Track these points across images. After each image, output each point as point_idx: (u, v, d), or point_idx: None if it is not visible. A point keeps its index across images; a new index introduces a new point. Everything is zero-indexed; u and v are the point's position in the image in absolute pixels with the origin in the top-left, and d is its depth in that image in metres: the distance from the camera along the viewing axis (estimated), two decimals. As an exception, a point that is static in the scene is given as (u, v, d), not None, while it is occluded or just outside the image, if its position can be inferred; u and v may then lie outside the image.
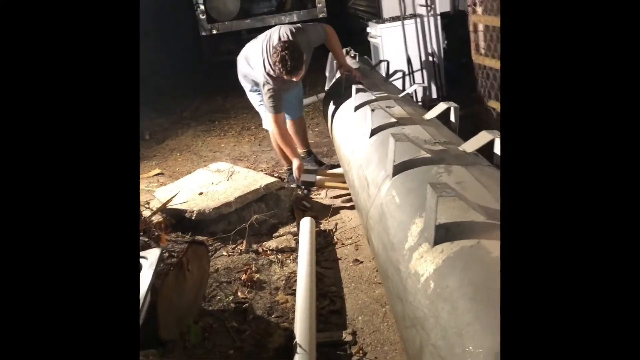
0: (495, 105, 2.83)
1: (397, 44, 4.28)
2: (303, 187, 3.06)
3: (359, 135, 2.24)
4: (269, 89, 2.72)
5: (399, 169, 1.68)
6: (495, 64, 2.65)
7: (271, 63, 2.65)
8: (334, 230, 2.61)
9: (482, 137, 1.75)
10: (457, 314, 1.03)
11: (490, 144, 1.78)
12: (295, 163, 2.94)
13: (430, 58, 4.37)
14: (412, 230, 1.36)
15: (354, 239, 2.48)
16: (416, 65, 4.35)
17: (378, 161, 1.89)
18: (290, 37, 2.65)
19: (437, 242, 1.22)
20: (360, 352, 1.73)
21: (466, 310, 1.02)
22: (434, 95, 4.40)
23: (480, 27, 2.75)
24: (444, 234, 1.22)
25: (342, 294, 2.09)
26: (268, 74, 2.70)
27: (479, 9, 2.81)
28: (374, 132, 2.11)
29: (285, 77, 2.61)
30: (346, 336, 1.81)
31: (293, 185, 3.08)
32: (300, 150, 3.25)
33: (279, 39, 2.66)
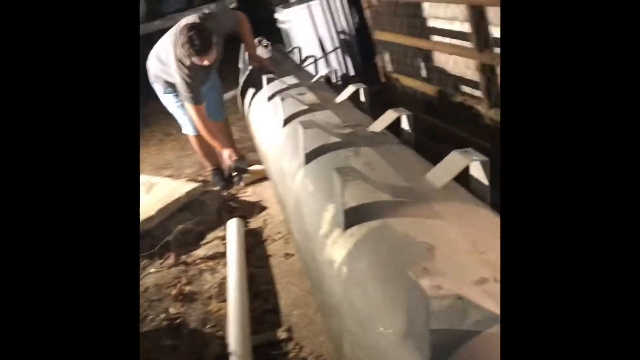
0: (401, 78, 2.84)
1: (307, 26, 4.23)
2: (234, 179, 2.92)
3: (273, 126, 2.19)
4: (183, 78, 2.58)
5: (310, 157, 1.65)
6: (396, 38, 2.64)
7: (180, 48, 2.52)
8: (262, 227, 2.55)
9: (388, 116, 1.75)
10: (367, 297, 1.02)
11: (398, 121, 1.79)
12: (226, 152, 2.75)
13: (343, 36, 4.35)
14: (325, 217, 1.34)
15: (283, 232, 2.43)
16: (329, 45, 4.32)
17: (291, 151, 1.85)
18: (198, 20, 2.55)
19: (347, 226, 1.21)
20: (297, 347, 1.70)
21: (375, 292, 1.01)
22: (352, 73, 4.41)
23: (374, 1, 2.72)
24: (352, 217, 1.21)
25: (275, 290, 2.04)
26: (180, 61, 2.56)
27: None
28: (286, 121, 2.07)
29: (195, 59, 2.48)
30: (281, 334, 1.77)
31: (218, 187, 2.97)
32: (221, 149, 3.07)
33: (186, 23, 2.55)
